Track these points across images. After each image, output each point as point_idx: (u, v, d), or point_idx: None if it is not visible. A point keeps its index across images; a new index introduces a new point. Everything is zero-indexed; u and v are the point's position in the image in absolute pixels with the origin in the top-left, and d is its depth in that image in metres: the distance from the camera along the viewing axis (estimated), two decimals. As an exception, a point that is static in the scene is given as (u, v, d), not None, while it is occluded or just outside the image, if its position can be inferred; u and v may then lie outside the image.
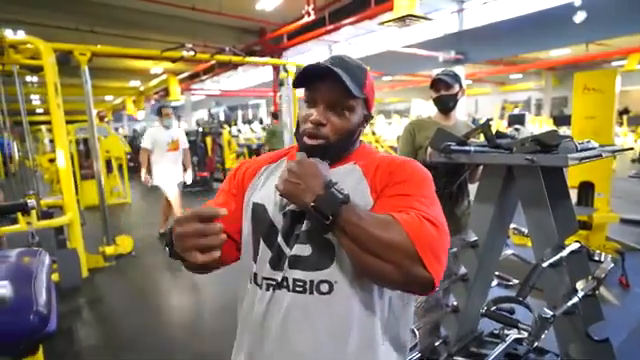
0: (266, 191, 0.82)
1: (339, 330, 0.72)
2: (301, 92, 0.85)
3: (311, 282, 0.73)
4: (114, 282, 3.65)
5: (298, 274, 0.74)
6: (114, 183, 7.35)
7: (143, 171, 4.44)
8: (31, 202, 1.13)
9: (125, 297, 3.35)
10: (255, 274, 0.79)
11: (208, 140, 9.06)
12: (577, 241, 1.57)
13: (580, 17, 7.46)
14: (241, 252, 0.85)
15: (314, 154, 0.77)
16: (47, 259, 0.94)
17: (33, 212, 3.11)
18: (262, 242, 0.79)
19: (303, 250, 0.74)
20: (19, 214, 2.98)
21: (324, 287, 0.72)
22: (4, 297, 0.59)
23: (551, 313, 1.28)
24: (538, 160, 1.38)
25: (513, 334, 1.86)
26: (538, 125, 12.76)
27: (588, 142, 1.51)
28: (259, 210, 0.81)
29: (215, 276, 1.02)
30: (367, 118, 0.84)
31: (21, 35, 4.28)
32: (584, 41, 9.15)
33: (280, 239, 0.77)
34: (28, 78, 5.80)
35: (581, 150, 1.40)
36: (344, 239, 0.67)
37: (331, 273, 0.73)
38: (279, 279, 0.75)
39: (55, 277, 2.96)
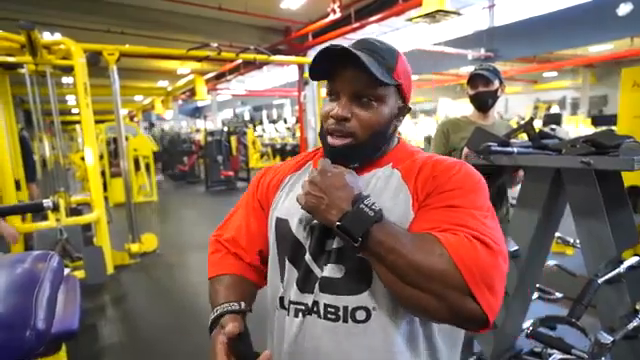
0: (289, 204, 0.72)
1: None
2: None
3: (345, 308, 0.62)
4: (139, 280, 3.69)
5: (330, 299, 0.63)
6: (141, 181, 7.52)
7: None
8: (47, 202, 1.09)
9: (149, 295, 3.38)
10: (282, 297, 0.69)
11: (233, 139, 9.16)
12: (637, 254, 1.39)
13: (625, 9, 6.95)
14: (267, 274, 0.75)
15: (340, 157, 0.66)
16: (57, 263, 0.88)
17: (62, 209, 3.17)
18: (287, 261, 0.69)
19: (335, 271, 0.64)
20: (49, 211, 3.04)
21: (360, 314, 0.62)
22: None
23: (611, 338, 1.12)
24: (595, 163, 1.21)
25: (557, 355, 1.69)
26: (574, 125, 12.13)
27: (653, 143, 1.33)
28: (282, 226, 0.71)
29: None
30: (403, 110, 0.70)
31: (57, 37, 4.42)
32: (629, 35, 8.56)
33: (308, 257, 0.66)
34: (64, 79, 5.99)
35: (648, 152, 1.22)
36: (377, 264, 0.57)
37: (368, 298, 0.62)
38: (309, 303, 0.64)
39: (81, 274, 3.01)
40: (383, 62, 0.64)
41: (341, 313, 0.62)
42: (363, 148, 0.67)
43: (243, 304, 0.69)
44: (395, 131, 0.72)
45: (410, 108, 0.73)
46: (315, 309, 0.64)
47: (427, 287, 0.53)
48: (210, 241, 0.83)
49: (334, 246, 0.65)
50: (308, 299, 0.65)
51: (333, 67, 0.65)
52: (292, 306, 0.66)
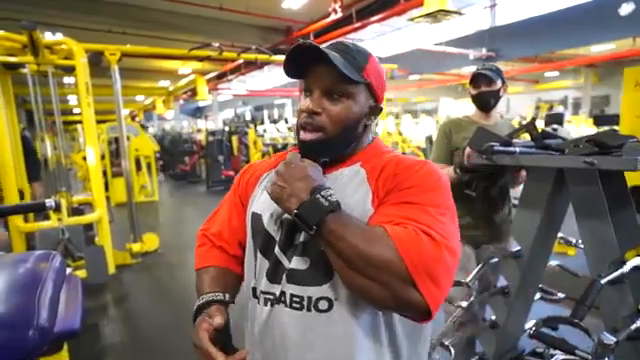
0: (264, 199, 0.75)
1: (341, 355, 0.64)
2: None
3: (309, 298, 0.65)
4: (140, 279, 3.69)
5: (295, 289, 0.66)
6: (143, 181, 7.53)
7: None
8: (49, 202, 1.10)
9: (151, 295, 3.38)
10: (254, 288, 0.73)
11: (234, 139, 9.15)
12: (640, 255, 1.38)
13: (627, 9, 6.93)
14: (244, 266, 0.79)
15: (311, 151, 0.69)
16: (59, 263, 0.88)
17: (64, 209, 3.18)
18: (259, 254, 0.72)
19: (301, 263, 0.67)
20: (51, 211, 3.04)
21: (323, 304, 0.65)
22: None
23: (614, 339, 1.12)
24: (599, 163, 1.21)
25: (560, 355, 1.68)
26: (575, 125, 12.10)
27: (656, 143, 1.32)
28: (256, 220, 0.75)
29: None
30: (375, 110, 0.74)
31: (59, 37, 4.43)
32: (631, 35, 8.54)
33: (277, 250, 0.70)
34: (66, 79, 6.00)
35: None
36: (329, 252, 0.59)
37: (329, 289, 0.65)
38: (277, 293, 0.68)
39: (83, 274, 3.01)
40: (353, 61, 0.68)
41: (305, 303, 0.66)
42: (333, 143, 0.70)
43: (227, 295, 0.73)
44: (366, 129, 0.75)
45: (382, 108, 0.76)
46: (282, 299, 0.67)
47: (374, 276, 0.56)
48: (197, 235, 0.87)
49: (301, 239, 0.68)
50: (276, 289, 0.68)
51: (307, 65, 0.69)
52: (262, 295, 0.70)
